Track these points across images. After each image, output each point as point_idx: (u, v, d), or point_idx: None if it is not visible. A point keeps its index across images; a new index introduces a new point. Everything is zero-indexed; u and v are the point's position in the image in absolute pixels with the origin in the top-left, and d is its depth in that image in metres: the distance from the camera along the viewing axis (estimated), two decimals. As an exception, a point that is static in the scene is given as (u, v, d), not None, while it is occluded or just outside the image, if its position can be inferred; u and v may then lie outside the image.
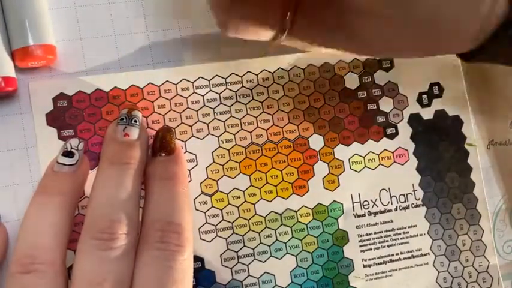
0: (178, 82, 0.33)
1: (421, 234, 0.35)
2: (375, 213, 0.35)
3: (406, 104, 0.36)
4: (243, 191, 0.33)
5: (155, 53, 0.33)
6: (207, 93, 0.33)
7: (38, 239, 0.26)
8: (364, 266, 0.34)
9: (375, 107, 0.36)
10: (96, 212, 0.26)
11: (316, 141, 0.34)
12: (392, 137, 0.36)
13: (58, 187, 0.27)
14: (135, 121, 0.29)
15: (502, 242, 0.37)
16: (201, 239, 0.32)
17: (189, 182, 0.32)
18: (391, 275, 0.35)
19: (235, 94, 0.34)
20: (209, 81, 0.33)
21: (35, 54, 0.30)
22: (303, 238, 0.34)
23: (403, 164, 0.36)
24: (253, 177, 0.33)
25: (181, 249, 0.27)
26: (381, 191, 0.35)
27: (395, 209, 0.35)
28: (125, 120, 0.29)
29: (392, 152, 0.36)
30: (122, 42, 0.33)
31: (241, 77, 0.34)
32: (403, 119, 0.36)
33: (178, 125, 0.33)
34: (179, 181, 0.29)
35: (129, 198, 0.27)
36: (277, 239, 0.33)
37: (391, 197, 0.35)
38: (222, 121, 0.33)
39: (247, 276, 0.33)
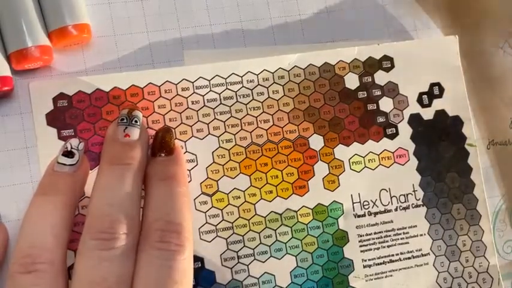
0: (179, 82, 0.33)
1: (421, 235, 0.35)
2: (375, 214, 0.35)
3: (406, 104, 0.36)
4: (243, 191, 0.33)
5: (155, 53, 0.33)
6: (207, 93, 0.33)
7: (38, 239, 0.26)
8: (364, 266, 0.34)
9: (375, 107, 0.36)
10: (96, 212, 0.26)
11: (316, 141, 0.34)
12: (392, 137, 0.36)
13: (58, 187, 0.27)
14: (136, 121, 0.29)
15: (502, 242, 0.37)
16: (201, 239, 0.32)
17: (189, 182, 0.32)
18: (391, 275, 0.35)
19: (235, 94, 0.34)
20: (209, 81, 0.33)
21: (32, 56, 0.29)
22: (303, 238, 0.34)
23: (403, 164, 0.36)
24: (253, 177, 0.33)
25: (181, 249, 0.27)
26: (381, 191, 0.35)
27: (396, 209, 0.35)
28: (125, 121, 0.29)
29: (393, 152, 0.36)
30: (122, 42, 0.33)
31: (241, 77, 0.34)
32: (403, 119, 0.36)
33: (178, 125, 0.33)
34: (179, 181, 0.29)
35: (129, 199, 0.27)
36: (277, 239, 0.33)
37: (391, 197, 0.35)
38: (222, 121, 0.33)
39: (247, 277, 0.33)
